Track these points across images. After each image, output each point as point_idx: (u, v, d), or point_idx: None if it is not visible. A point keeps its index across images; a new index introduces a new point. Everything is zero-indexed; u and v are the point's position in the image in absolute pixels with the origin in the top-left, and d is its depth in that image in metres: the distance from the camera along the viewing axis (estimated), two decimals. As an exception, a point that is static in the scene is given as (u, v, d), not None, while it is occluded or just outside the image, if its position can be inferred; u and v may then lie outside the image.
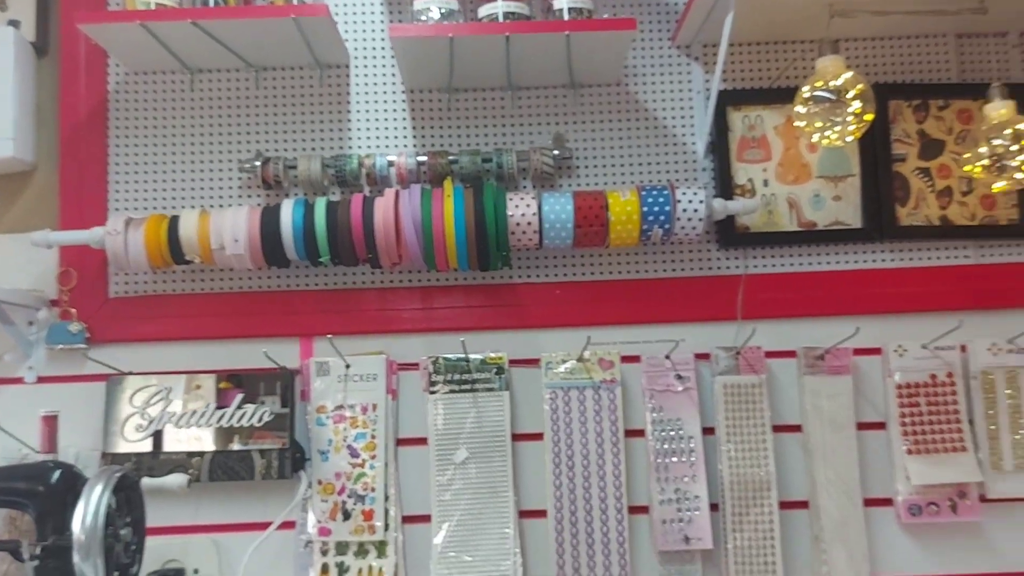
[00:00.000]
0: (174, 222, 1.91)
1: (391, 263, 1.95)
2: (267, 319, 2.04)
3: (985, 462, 2.00)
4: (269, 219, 1.90)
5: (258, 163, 2.00)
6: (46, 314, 2.02)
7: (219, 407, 1.95)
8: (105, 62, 2.10)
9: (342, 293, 2.06)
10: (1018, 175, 1.88)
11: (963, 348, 2.04)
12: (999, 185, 1.92)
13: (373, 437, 2.00)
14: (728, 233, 2.09)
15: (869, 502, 2.01)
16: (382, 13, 2.13)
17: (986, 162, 1.90)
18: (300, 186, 2.05)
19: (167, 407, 1.95)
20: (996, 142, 1.88)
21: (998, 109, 1.89)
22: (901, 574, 2.01)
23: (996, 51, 2.14)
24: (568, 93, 2.13)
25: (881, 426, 2.05)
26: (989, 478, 1.99)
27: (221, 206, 2.06)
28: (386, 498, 1.99)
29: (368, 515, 1.97)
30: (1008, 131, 1.87)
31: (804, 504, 2.02)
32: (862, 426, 2.04)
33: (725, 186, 2.09)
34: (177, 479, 1.89)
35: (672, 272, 2.10)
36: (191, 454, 1.93)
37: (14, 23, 2.10)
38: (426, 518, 1.98)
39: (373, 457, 2.00)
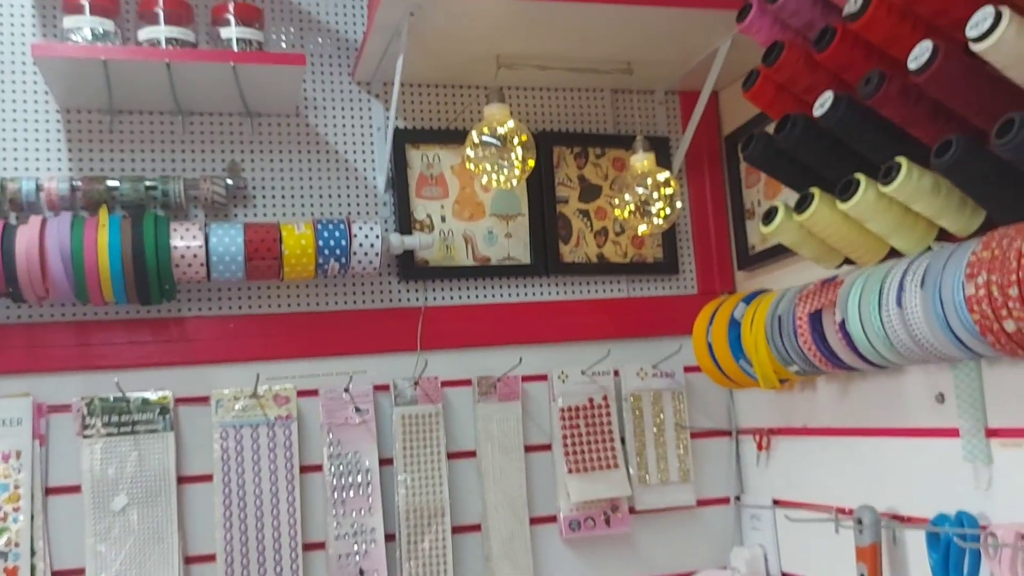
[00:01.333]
0: None
1: (37, 297, 1.79)
2: None
3: (634, 477, 2.21)
4: None
5: None
6: None
7: None
8: None
9: (-22, 330, 1.86)
10: (657, 220, 2.11)
11: (616, 373, 2.25)
12: (643, 228, 2.16)
13: (17, 487, 1.82)
14: (408, 267, 2.14)
15: (535, 520, 2.15)
16: (33, 25, 1.95)
17: (632, 207, 2.12)
18: (-74, 211, 1.82)
19: None
20: (640, 190, 2.10)
21: (641, 160, 2.11)
22: (563, 585, 2.17)
23: (644, 106, 2.39)
24: (244, 121, 2.08)
25: (547, 448, 2.20)
26: (637, 492, 2.21)
27: None
28: (32, 553, 1.82)
29: (12, 573, 1.79)
30: (649, 180, 2.10)
31: (477, 527, 2.11)
32: (530, 448, 2.18)
33: (404, 221, 2.14)
34: None
35: (352, 304, 2.12)
36: None
37: None
38: (81, 571, 1.83)
39: (16, 510, 1.82)
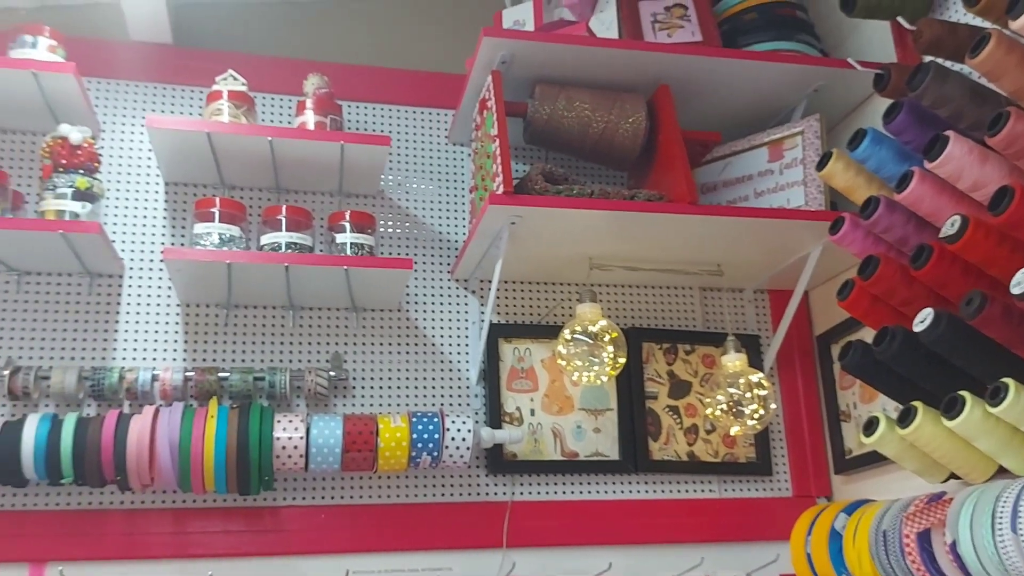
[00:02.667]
0: None
1: (142, 485, 1.85)
2: (-7, 543, 1.85)
3: None
4: (8, 435, 1.77)
5: (6, 372, 1.88)
6: None
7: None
8: None
9: (83, 514, 1.91)
10: (750, 421, 2.09)
11: (708, 580, 2.16)
12: (735, 429, 2.13)
13: None
14: (497, 460, 2.15)
15: None
16: (165, 228, 2.13)
17: (724, 407, 2.11)
18: (52, 398, 1.93)
19: None
20: (732, 390, 2.09)
21: (732, 360, 2.12)
22: None
23: (734, 304, 2.43)
24: (349, 315, 2.18)
25: (636, 657, 2.10)
26: None
27: (-45, 417, 1.90)
28: None
29: None
30: (742, 380, 2.10)
31: None
32: (617, 658, 2.08)
33: (495, 414, 2.17)
34: None
35: (440, 497, 2.12)
36: None
37: None
38: None
39: None
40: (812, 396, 2.38)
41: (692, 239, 2.08)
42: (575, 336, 2.02)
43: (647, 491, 2.23)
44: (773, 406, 2.10)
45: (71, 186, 1.86)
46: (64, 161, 1.87)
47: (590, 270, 2.17)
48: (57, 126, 1.93)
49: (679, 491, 2.25)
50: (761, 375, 2.09)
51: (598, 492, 2.21)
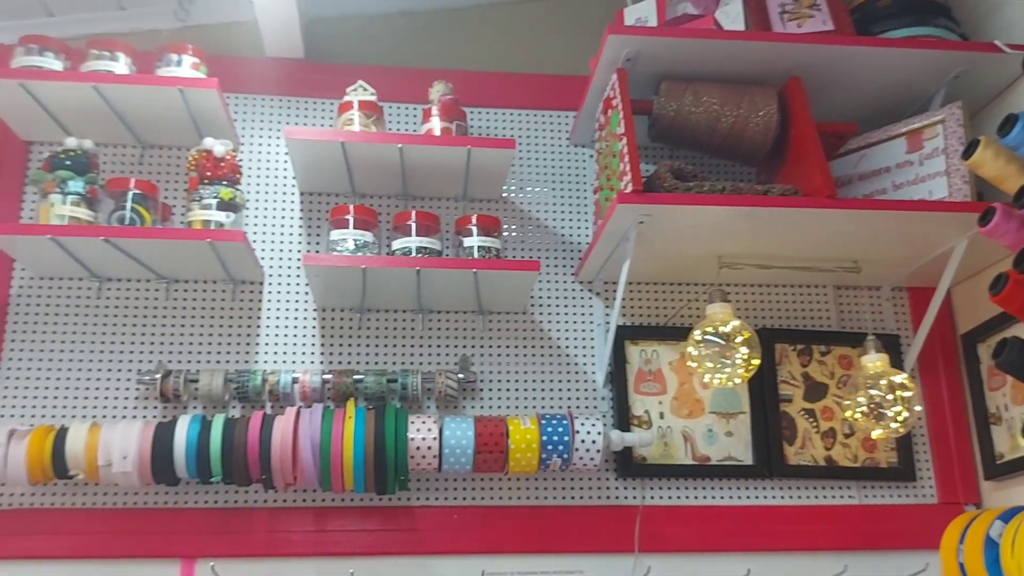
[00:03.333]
0: (61, 435, 1.84)
1: (285, 483, 1.91)
2: (147, 539, 1.94)
3: None
4: (162, 436, 1.86)
5: (158, 376, 1.98)
6: (-93, 526, 1.88)
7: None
8: (10, 265, 2.09)
9: (230, 512, 1.99)
10: (893, 424, 1.99)
11: (850, 589, 2.08)
12: (877, 433, 2.03)
13: (250, 672, 1.88)
14: (626, 463, 2.13)
15: None
16: (301, 236, 2.20)
17: (865, 409, 2.02)
18: (200, 400, 2.02)
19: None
20: (873, 391, 2.00)
21: (873, 361, 2.03)
22: None
23: (871, 303, 2.33)
24: (476, 318, 2.20)
25: (775, 668, 2.03)
26: None
27: (115, 418, 2.01)
28: None
29: None
30: (883, 382, 2.01)
31: None
32: (757, 669, 2.02)
33: (622, 417, 2.15)
34: None
35: (569, 500, 2.11)
36: None
37: (-75, 218, 2.10)
38: None
39: None
40: (957, 398, 2.25)
41: (829, 235, 2.01)
42: (706, 337, 1.98)
43: (783, 497, 2.16)
44: (918, 408, 2.00)
45: (216, 197, 1.94)
46: (209, 173, 1.96)
47: (719, 269, 2.13)
48: (200, 140, 2.02)
49: (817, 497, 2.16)
50: (904, 376, 2.00)
51: (731, 497, 2.15)
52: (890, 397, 2.00)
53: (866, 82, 2.13)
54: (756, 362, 1.96)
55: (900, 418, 1.99)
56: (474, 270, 1.94)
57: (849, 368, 2.26)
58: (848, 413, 2.07)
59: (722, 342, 1.96)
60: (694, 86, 2.05)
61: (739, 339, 1.96)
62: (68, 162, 1.91)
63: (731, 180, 2.28)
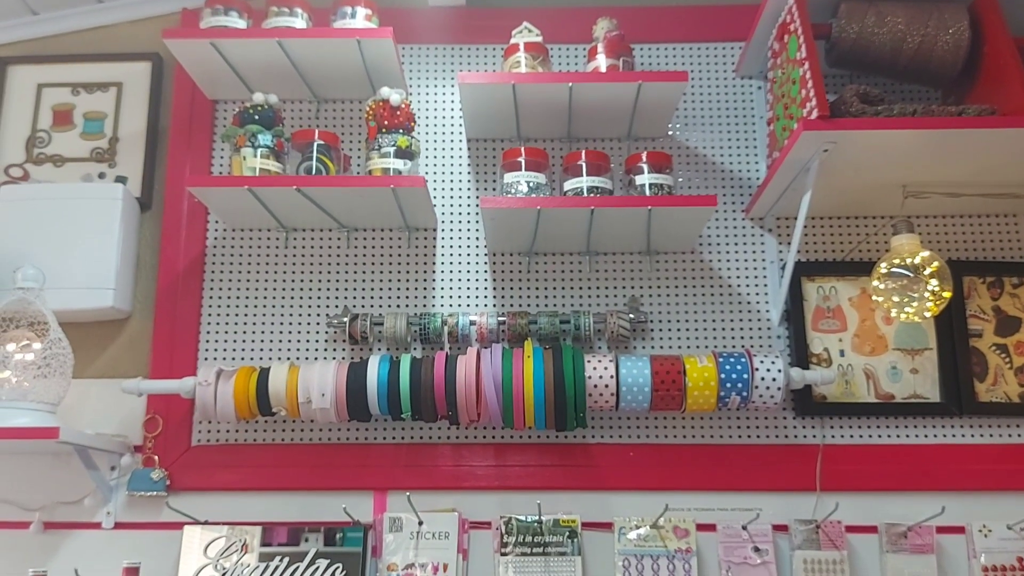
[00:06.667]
0: (264, 374, 1.96)
1: (469, 420, 1.97)
2: (343, 472, 2.05)
3: (1083, 656, 1.89)
4: (356, 374, 1.95)
5: (346, 319, 2.07)
6: (129, 460, 2.05)
7: (292, 562, 1.94)
8: (206, 218, 2.22)
9: (417, 447, 2.08)
10: (1102, 356, 1.87)
11: (1052, 531, 1.98)
12: (1082, 366, 1.92)
13: (442, 599, 1.97)
14: (805, 402, 2.08)
15: None
16: (470, 182, 2.24)
17: (1067, 342, 1.91)
18: (384, 342, 2.11)
19: (241, 558, 1.94)
20: (1077, 322, 1.89)
21: (1077, 290, 1.91)
22: None
23: (1068, 231, 2.18)
24: (644, 259, 2.19)
25: (969, 610, 1.96)
26: (1089, 674, 1.89)
27: (307, 359, 2.12)
28: (451, 664, 1.94)
29: None
30: (1088, 312, 1.88)
31: None
32: (948, 609, 1.96)
33: (800, 355, 2.10)
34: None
35: (747, 439, 2.09)
36: (260, 610, 1.91)
37: (121, 179, 2.25)
38: None
39: (441, 620, 1.96)
40: None
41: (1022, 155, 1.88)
42: (893, 270, 1.90)
43: (975, 435, 2.06)
44: None
45: (394, 145, 1.99)
46: (386, 122, 2.01)
47: (904, 199, 2.03)
48: (373, 92, 2.08)
49: (1012, 436, 2.06)
50: (1117, 305, 1.87)
51: (918, 436, 2.07)
52: (1098, 329, 1.88)
53: (1069, -10, 1.98)
54: (947, 294, 1.88)
55: (1111, 351, 1.87)
56: (647, 207, 1.92)
57: (1046, 301, 2.13)
58: (1049, 347, 1.96)
59: (910, 274, 1.89)
60: (876, 6, 1.94)
61: (928, 271, 1.88)
62: (256, 116, 2.00)
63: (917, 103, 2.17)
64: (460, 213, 2.22)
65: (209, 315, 2.16)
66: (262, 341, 2.14)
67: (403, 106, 2.02)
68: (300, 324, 2.15)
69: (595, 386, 1.97)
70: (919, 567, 1.97)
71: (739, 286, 2.19)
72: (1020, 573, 1.95)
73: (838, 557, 1.97)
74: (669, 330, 2.16)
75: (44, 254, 2.07)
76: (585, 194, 1.99)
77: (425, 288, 2.17)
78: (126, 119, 2.30)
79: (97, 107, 2.32)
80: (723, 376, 1.97)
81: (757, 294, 2.18)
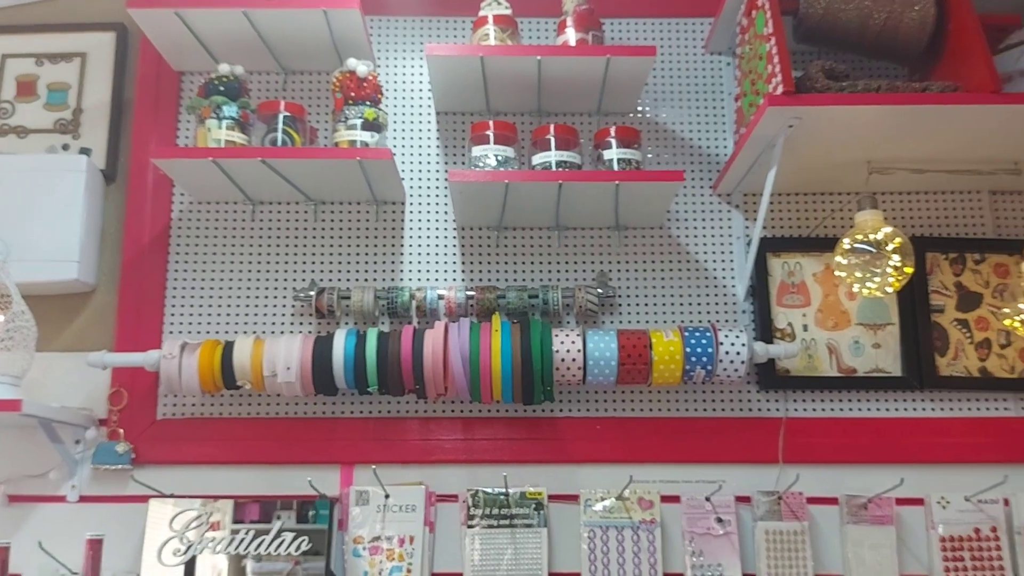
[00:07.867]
0: (228, 348, 1.95)
1: (436, 394, 1.98)
2: (309, 446, 2.05)
3: (1035, 622, 1.94)
4: (322, 348, 1.95)
5: (312, 293, 2.07)
6: (94, 433, 2.04)
7: (258, 535, 1.94)
8: (171, 191, 2.20)
9: (384, 421, 2.08)
10: (1058, 332, 1.91)
11: (1006, 502, 2.02)
12: (1039, 340, 1.96)
13: (409, 572, 1.98)
14: (769, 376, 2.11)
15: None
16: (439, 156, 2.23)
17: (1025, 318, 1.94)
18: (352, 316, 2.10)
19: (206, 532, 1.95)
20: (1035, 298, 1.92)
21: (1035, 267, 1.94)
22: None
23: (1029, 208, 2.21)
24: (612, 234, 2.20)
25: (925, 580, 2.01)
26: (1039, 640, 1.94)
27: (274, 333, 2.12)
28: (418, 635, 1.96)
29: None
30: (1046, 288, 1.92)
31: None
32: (905, 579, 2.00)
33: (765, 329, 2.12)
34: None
35: (712, 412, 2.12)
36: (226, 582, 1.92)
37: (86, 151, 2.22)
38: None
39: (407, 592, 1.97)
40: None
41: (991, 134, 1.90)
42: (856, 246, 1.92)
43: (936, 409, 2.10)
44: (1087, 315, 1.90)
45: (360, 117, 1.98)
46: (353, 94, 2.00)
47: (869, 175, 2.05)
48: (340, 64, 2.06)
49: (971, 409, 2.10)
50: (1073, 281, 1.90)
51: (879, 409, 2.11)
52: (1055, 304, 1.92)
53: (1032, -32, 1.99)
54: (909, 270, 1.90)
55: (1066, 326, 1.91)
56: (615, 182, 1.93)
57: (1005, 277, 2.16)
58: (1007, 322, 1.99)
59: (873, 250, 1.91)
60: (843, -18, 1.95)
61: (891, 247, 1.90)
62: (222, 88, 1.98)
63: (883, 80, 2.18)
64: (429, 187, 2.22)
65: (174, 288, 2.14)
66: (228, 314, 2.13)
67: (370, 78, 2.01)
68: (267, 297, 2.14)
69: (562, 360, 1.98)
70: (879, 538, 2.01)
71: (706, 261, 2.20)
72: (977, 543, 2.00)
73: (799, 528, 2.01)
74: (637, 305, 2.17)
75: (7, 226, 2.05)
76: (554, 168, 1.99)
77: (393, 262, 2.16)
78: (90, 90, 2.27)
79: (61, 78, 2.29)
80: (688, 350, 1.99)
81: (723, 269, 2.20)
